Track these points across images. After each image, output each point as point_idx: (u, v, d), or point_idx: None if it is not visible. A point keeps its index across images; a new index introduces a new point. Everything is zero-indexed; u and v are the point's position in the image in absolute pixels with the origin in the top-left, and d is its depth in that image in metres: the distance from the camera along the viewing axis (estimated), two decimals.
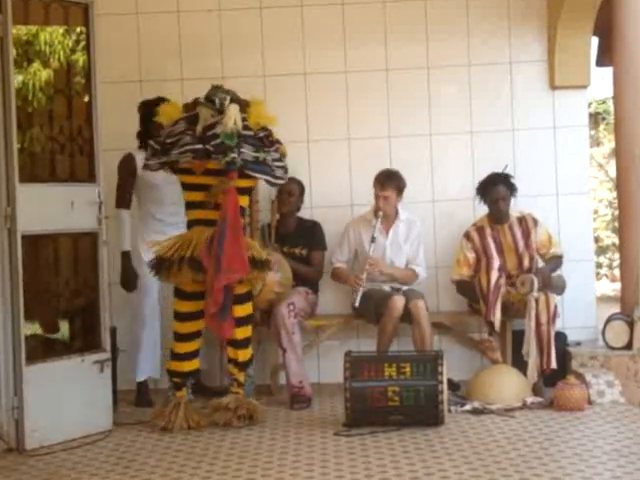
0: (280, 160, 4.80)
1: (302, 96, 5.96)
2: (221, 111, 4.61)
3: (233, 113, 4.58)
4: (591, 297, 5.95)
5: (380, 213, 5.50)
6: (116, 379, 5.14)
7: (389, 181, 5.51)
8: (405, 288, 5.46)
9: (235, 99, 4.70)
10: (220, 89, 4.71)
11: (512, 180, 5.54)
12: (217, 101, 4.64)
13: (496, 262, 5.30)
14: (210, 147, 4.54)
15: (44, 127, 5.09)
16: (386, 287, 5.50)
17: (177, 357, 4.84)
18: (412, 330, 5.23)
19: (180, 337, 4.82)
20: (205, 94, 4.71)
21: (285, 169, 4.84)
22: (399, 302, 5.20)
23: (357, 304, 5.37)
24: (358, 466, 3.96)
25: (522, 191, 5.62)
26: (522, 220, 5.57)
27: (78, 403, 4.61)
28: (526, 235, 5.53)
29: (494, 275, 5.22)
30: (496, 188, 5.47)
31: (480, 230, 5.58)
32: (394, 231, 5.63)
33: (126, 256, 5.27)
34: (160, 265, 4.69)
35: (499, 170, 5.57)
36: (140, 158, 5.17)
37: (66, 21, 5.16)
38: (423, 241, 5.69)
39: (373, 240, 5.48)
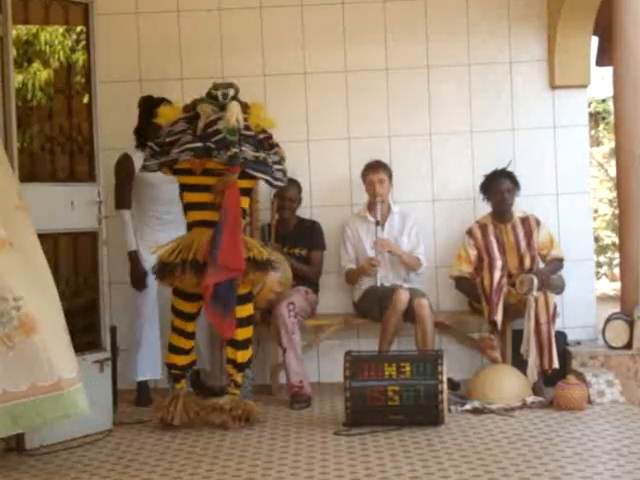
0: (279, 163, 4.79)
1: (302, 96, 5.96)
2: (223, 107, 4.59)
3: (236, 110, 4.58)
4: (591, 296, 5.95)
5: (379, 198, 5.54)
6: (116, 379, 5.14)
7: (381, 165, 5.64)
8: (407, 286, 5.45)
9: (237, 96, 4.68)
10: (222, 84, 4.68)
11: (516, 178, 5.58)
12: (220, 94, 4.61)
13: (499, 262, 5.31)
14: (211, 144, 4.52)
15: (44, 127, 5.08)
16: (387, 284, 5.49)
17: (175, 350, 4.84)
18: (415, 329, 5.23)
19: (179, 332, 4.83)
20: (207, 92, 4.68)
21: (284, 172, 4.83)
22: (404, 296, 5.22)
23: (379, 283, 5.41)
24: (358, 466, 3.96)
25: (522, 191, 5.64)
26: (525, 220, 5.59)
27: None
28: (528, 235, 5.54)
29: (497, 275, 5.22)
30: (502, 180, 5.54)
31: (483, 228, 5.58)
32: (389, 224, 5.66)
33: (133, 256, 5.28)
34: (163, 270, 4.67)
35: (501, 168, 5.62)
36: (137, 157, 5.17)
37: (66, 21, 5.15)
38: (421, 231, 5.71)
39: (378, 223, 5.53)
